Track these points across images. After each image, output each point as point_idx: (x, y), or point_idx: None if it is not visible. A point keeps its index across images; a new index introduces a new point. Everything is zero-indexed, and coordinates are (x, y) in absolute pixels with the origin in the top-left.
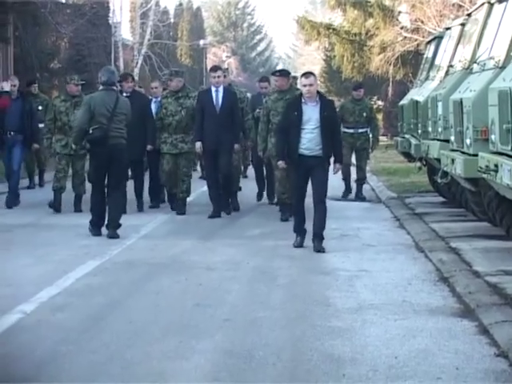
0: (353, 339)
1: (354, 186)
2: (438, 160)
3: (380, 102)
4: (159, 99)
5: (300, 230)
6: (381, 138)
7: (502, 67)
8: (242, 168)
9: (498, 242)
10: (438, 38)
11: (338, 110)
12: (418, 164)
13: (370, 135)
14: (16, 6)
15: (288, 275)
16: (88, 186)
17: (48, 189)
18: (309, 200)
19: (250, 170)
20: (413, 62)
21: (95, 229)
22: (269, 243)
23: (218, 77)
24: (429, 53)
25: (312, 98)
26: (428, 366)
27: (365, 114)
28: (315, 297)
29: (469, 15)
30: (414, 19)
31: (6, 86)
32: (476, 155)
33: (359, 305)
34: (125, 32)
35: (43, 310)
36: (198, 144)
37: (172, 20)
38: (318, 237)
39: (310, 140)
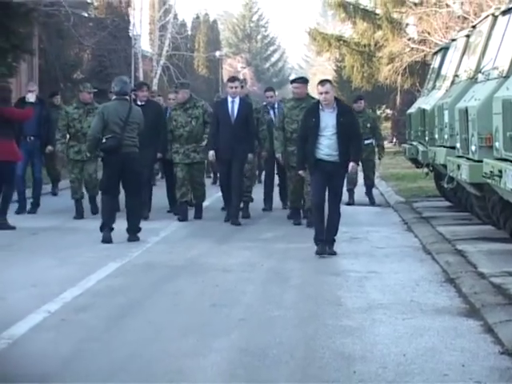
0: (363, 337)
1: (362, 191)
2: (445, 166)
3: (389, 111)
4: None
5: (321, 240)
6: (389, 145)
7: (506, 77)
8: (257, 172)
9: (501, 245)
10: (444, 49)
11: None
12: (426, 170)
13: (375, 144)
14: (41, 19)
15: (300, 276)
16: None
17: (65, 196)
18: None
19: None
20: (420, 72)
21: (105, 232)
22: (281, 246)
23: (236, 87)
24: (435, 63)
25: (329, 105)
26: (435, 364)
27: (369, 125)
28: (326, 297)
29: (474, 27)
30: (420, 31)
31: (32, 98)
32: (481, 161)
33: (369, 305)
34: (144, 44)
35: (67, 309)
36: (211, 153)
37: (189, 32)
38: (331, 242)
39: (328, 146)
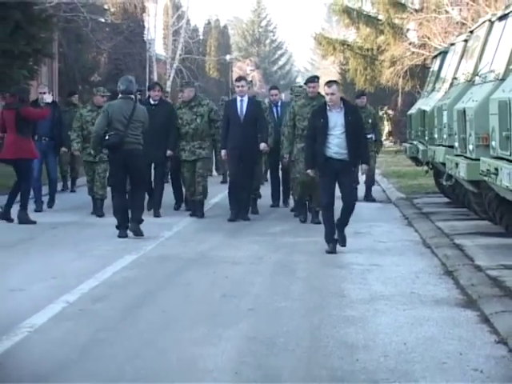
0: (365, 327)
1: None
2: (444, 164)
3: (390, 112)
4: None
5: (331, 239)
6: (390, 143)
7: (502, 79)
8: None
9: (498, 239)
10: (443, 53)
11: None
12: (425, 168)
13: (374, 139)
14: (60, 25)
15: (306, 269)
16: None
17: (82, 192)
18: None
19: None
20: (420, 75)
21: (121, 231)
22: (288, 240)
23: (242, 86)
24: (435, 66)
25: (336, 105)
26: (434, 352)
27: (370, 121)
28: (331, 288)
29: (471, 32)
30: (421, 36)
31: (48, 98)
32: (478, 160)
33: (371, 296)
34: (158, 48)
35: (84, 300)
36: (223, 152)
37: (201, 37)
38: (340, 231)
39: (337, 145)
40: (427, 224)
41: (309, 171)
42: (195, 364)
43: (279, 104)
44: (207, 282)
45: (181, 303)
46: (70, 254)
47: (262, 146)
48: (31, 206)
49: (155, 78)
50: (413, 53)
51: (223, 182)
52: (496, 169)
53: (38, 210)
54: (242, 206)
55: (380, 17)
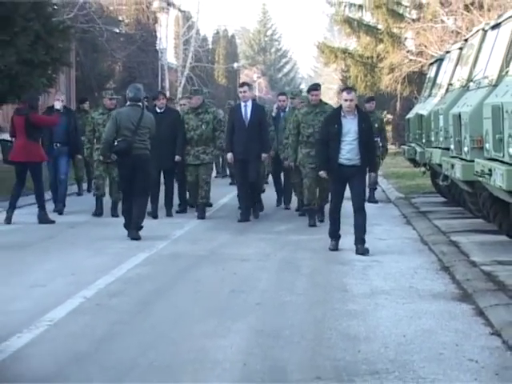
0: (367, 320)
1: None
2: (440, 165)
3: (389, 116)
4: None
5: (335, 236)
6: (390, 146)
7: (495, 85)
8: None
9: (491, 236)
10: (439, 60)
11: None
12: (423, 169)
13: (380, 144)
14: (77, 35)
15: (310, 265)
16: None
17: None
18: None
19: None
20: (417, 81)
21: (130, 231)
22: (293, 238)
23: (244, 91)
24: (431, 73)
25: (351, 112)
26: (432, 343)
27: (376, 125)
28: (334, 284)
29: (466, 40)
30: (418, 44)
31: (58, 105)
32: (472, 161)
33: (372, 290)
34: (170, 57)
35: (101, 295)
36: (230, 155)
37: (210, 46)
38: (361, 241)
39: (349, 151)
40: (425, 222)
41: (321, 173)
42: (206, 355)
43: (286, 109)
44: (217, 277)
45: (192, 298)
46: (87, 252)
47: (263, 157)
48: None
49: (167, 85)
50: (410, 60)
51: (232, 183)
52: (490, 170)
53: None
54: (255, 207)
55: (379, 26)
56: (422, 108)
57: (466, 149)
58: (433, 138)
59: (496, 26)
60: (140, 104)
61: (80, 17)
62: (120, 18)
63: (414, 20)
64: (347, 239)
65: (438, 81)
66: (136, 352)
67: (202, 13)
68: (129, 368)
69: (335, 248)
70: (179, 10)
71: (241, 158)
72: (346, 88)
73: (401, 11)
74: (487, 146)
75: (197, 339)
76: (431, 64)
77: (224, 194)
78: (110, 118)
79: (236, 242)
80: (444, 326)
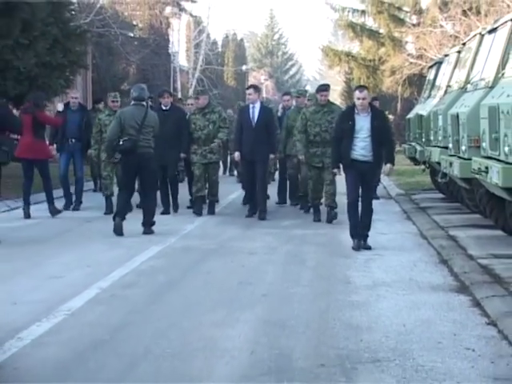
0: (369, 311)
1: None
2: (439, 163)
3: (391, 116)
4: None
5: (356, 233)
6: None
7: (491, 87)
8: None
9: (488, 231)
10: (438, 63)
11: None
12: (422, 166)
13: None
14: (93, 39)
15: (315, 258)
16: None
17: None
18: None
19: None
20: (417, 83)
21: (117, 223)
22: (299, 232)
23: (250, 94)
24: (431, 75)
25: (364, 110)
26: (431, 333)
27: None
28: (337, 276)
29: (464, 44)
30: (418, 48)
31: (60, 107)
32: (470, 159)
33: (374, 282)
34: (181, 59)
35: (116, 286)
36: (237, 154)
37: (220, 49)
38: (364, 237)
39: (362, 147)
40: (424, 218)
41: (335, 170)
42: (215, 344)
43: (292, 108)
44: (226, 270)
45: (202, 289)
46: (103, 246)
47: (271, 157)
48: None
49: (178, 86)
50: (411, 63)
51: (239, 181)
52: (486, 167)
53: (67, 207)
54: (260, 209)
55: (381, 31)
56: (421, 108)
57: (463, 147)
58: (432, 138)
59: (492, 31)
60: (144, 103)
61: (96, 21)
62: (134, 23)
63: (414, 25)
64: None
65: (437, 83)
66: (149, 340)
67: (212, 18)
68: (142, 355)
69: (357, 247)
70: (190, 15)
71: (247, 159)
72: (359, 86)
73: (402, 16)
74: (484, 144)
75: (207, 328)
76: (430, 67)
77: (232, 191)
78: (114, 118)
79: (244, 236)
80: (442, 317)
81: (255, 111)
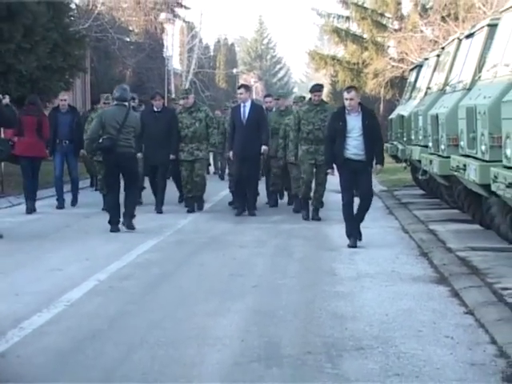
0: (353, 301)
1: None
2: (419, 161)
3: None
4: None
5: (352, 234)
6: None
7: (469, 89)
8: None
9: (466, 225)
10: (419, 66)
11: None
12: (404, 164)
13: None
14: (92, 44)
15: (302, 251)
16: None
17: None
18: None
19: None
20: (399, 85)
21: (113, 226)
22: (287, 227)
23: (240, 93)
24: (411, 78)
25: (354, 110)
26: (412, 322)
27: None
28: (324, 268)
29: (443, 48)
30: (399, 52)
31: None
32: (448, 157)
33: (358, 274)
34: (175, 63)
35: (113, 278)
36: (231, 153)
37: (212, 53)
38: (359, 234)
39: (355, 146)
40: (405, 213)
41: (329, 171)
42: (207, 332)
43: (273, 110)
44: (218, 262)
45: (195, 281)
46: (100, 240)
47: (263, 148)
48: (52, 202)
49: (172, 88)
50: (393, 66)
51: (231, 180)
52: (464, 165)
53: (60, 206)
54: (249, 203)
55: (365, 36)
56: (403, 109)
57: (442, 146)
58: (413, 137)
59: (470, 36)
60: (126, 104)
61: (94, 27)
62: (130, 28)
63: (395, 30)
64: (335, 228)
65: (418, 85)
66: (145, 329)
67: (205, 23)
68: (138, 344)
69: (353, 245)
70: (184, 21)
71: (239, 156)
72: (347, 88)
73: (384, 22)
74: (462, 143)
75: (199, 318)
76: (411, 70)
77: (221, 189)
78: (95, 117)
79: (235, 231)
80: (422, 306)
81: (246, 110)
